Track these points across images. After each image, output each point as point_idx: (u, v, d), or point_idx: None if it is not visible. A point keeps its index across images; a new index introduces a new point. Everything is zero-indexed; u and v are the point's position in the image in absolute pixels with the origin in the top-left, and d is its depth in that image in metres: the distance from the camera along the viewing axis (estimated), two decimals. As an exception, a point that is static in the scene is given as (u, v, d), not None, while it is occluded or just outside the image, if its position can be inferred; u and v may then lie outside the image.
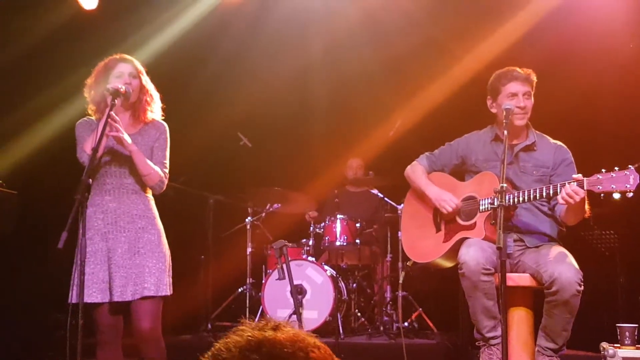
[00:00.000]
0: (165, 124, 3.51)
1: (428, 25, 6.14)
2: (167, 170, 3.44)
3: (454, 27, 6.16)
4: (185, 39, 6.01)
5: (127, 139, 3.25)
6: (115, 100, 3.24)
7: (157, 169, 3.37)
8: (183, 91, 3.58)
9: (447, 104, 6.24)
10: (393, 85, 6.57)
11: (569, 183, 3.15)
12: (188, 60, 6.28)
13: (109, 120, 3.19)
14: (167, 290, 3.32)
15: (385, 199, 5.93)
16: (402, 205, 5.74)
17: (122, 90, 3.26)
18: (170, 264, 3.41)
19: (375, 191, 5.96)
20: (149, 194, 3.45)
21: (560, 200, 3.16)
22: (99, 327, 3.31)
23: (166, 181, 3.43)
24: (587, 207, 3.34)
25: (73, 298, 3.15)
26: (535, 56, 5.65)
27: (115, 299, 3.24)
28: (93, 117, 3.43)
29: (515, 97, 3.55)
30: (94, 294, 3.21)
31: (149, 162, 3.35)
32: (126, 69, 3.39)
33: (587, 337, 4.24)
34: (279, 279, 3.53)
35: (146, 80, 3.45)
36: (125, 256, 3.28)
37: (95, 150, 3.13)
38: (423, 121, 6.34)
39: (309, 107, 6.94)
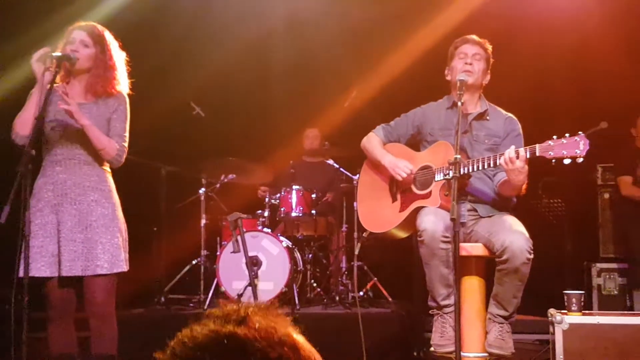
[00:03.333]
0: (124, 94, 3.39)
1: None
2: (125, 144, 3.34)
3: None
4: (138, 3, 5.86)
5: (79, 113, 3.15)
6: (57, 68, 3.15)
7: (112, 142, 3.28)
8: (134, 58, 3.48)
9: (404, 75, 6.28)
10: (352, 55, 6.56)
11: (522, 149, 3.21)
12: (140, 26, 6.09)
13: (62, 93, 3.10)
14: (123, 266, 3.25)
15: (341, 169, 5.94)
16: (357, 175, 5.78)
17: (55, 56, 3.17)
18: (127, 238, 3.34)
19: (330, 162, 5.96)
20: (106, 167, 3.35)
21: (502, 163, 3.20)
22: (50, 302, 3.24)
23: (124, 154, 3.34)
24: (524, 187, 3.41)
25: (21, 272, 3.05)
26: (491, 28, 5.69)
27: (64, 273, 3.16)
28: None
29: (465, 57, 3.65)
30: (42, 268, 3.14)
31: (103, 136, 3.25)
32: (78, 36, 3.28)
33: (535, 303, 4.35)
34: (233, 252, 3.52)
35: (105, 52, 3.30)
36: (76, 229, 3.19)
37: (38, 119, 3.03)
38: (380, 92, 6.36)
39: (266, 76, 6.87)
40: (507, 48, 3.84)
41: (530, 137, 3.71)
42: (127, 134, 3.36)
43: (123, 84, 3.40)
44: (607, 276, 5.78)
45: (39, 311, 3.34)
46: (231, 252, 3.58)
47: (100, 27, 3.37)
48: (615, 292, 5.75)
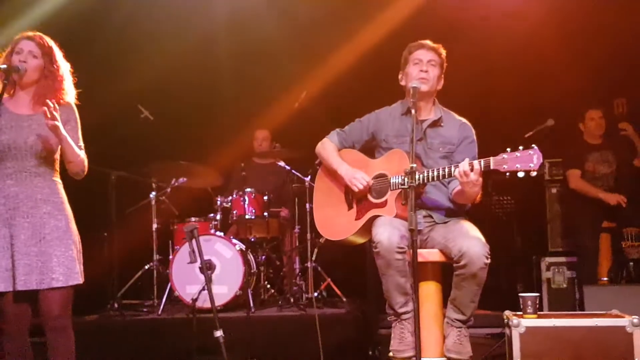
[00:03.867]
0: (72, 103, 3.38)
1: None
2: (84, 152, 3.34)
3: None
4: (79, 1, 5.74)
5: (62, 129, 3.13)
6: (5, 80, 3.16)
7: (82, 155, 3.29)
8: (77, 59, 3.44)
9: (351, 73, 6.33)
10: (298, 55, 6.56)
11: (476, 162, 3.23)
12: (83, 24, 5.98)
13: (49, 109, 3.06)
14: (78, 278, 3.24)
15: (293, 171, 5.91)
16: (309, 177, 5.80)
17: (2, 68, 3.16)
18: (81, 250, 3.32)
19: (282, 163, 5.94)
20: (57, 177, 3.33)
21: (457, 175, 3.24)
22: (5, 317, 3.21)
23: (87, 164, 3.34)
24: (479, 197, 3.44)
25: None
26: (435, 26, 5.78)
27: (19, 287, 3.13)
28: None
29: (420, 63, 3.65)
30: None
31: (76, 148, 3.25)
32: (27, 47, 3.26)
33: (486, 297, 4.42)
34: (190, 262, 3.47)
35: (52, 62, 3.29)
36: (29, 243, 3.16)
37: None
38: (328, 91, 6.37)
39: (213, 77, 6.79)
40: (452, 46, 3.85)
41: (480, 139, 3.76)
42: (82, 143, 3.36)
43: (70, 94, 3.39)
44: (556, 270, 5.89)
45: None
46: (188, 263, 3.53)
47: (47, 38, 3.36)
48: (564, 286, 5.86)
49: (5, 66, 3.17)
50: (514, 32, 6.09)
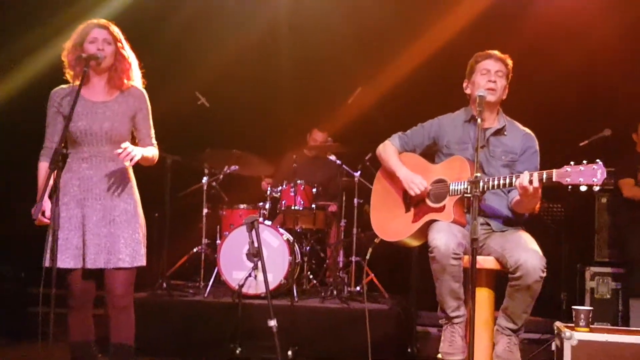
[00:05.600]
0: (143, 90, 3.50)
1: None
2: (155, 142, 3.50)
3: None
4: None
5: (138, 154, 3.25)
6: (85, 67, 3.24)
7: (153, 152, 3.43)
8: (142, 49, 3.55)
9: (411, 76, 6.35)
10: (358, 53, 6.60)
11: (537, 173, 3.25)
12: (149, 18, 6.17)
13: (126, 151, 3.18)
14: (142, 260, 3.38)
15: (343, 165, 5.97)
16: (358, 172, 5.86)
17: (83, 57, 3.26)
18: (145, 234, 3.45)
19: (332, 157, 5.99)
20: (127, 162, 3.41)
21: (517, 185, 3.25)
22: (71, 293, 3.36)
23: (157, 154, 3.49)
24: (537, 207, 3.46)
25: (47, 262, 3.13)
26: (496, 35, 5.77)
27: (88, 265, 3.28)
28: (67, 84, 3.43)
29: (488, 73, 3.66)
30: (67, 260, 3.24)
31: (150, 153, 3.39)
32: (100, 35, 3.37)
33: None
34: (249, 253, 3.55)
35: (123, 47, 3.42)
36: (100, 224, 3.30)
37: (68, 119, 3.13)
38: (385, 91, 6.40)
39: (272, 70, 6.92)
40: (512, 56, 3.86)
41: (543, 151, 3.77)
42: (153, 131, 3.51)
43: (137, 77, 3.51)
44: (601, 280, 5.84)
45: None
46: (246, 254, 3.62)
47: (113, 25, 3.47)
48: (608, 297, 5.80)
49: (84, 55, 3.26)
50: (574, 41, 6.04)
